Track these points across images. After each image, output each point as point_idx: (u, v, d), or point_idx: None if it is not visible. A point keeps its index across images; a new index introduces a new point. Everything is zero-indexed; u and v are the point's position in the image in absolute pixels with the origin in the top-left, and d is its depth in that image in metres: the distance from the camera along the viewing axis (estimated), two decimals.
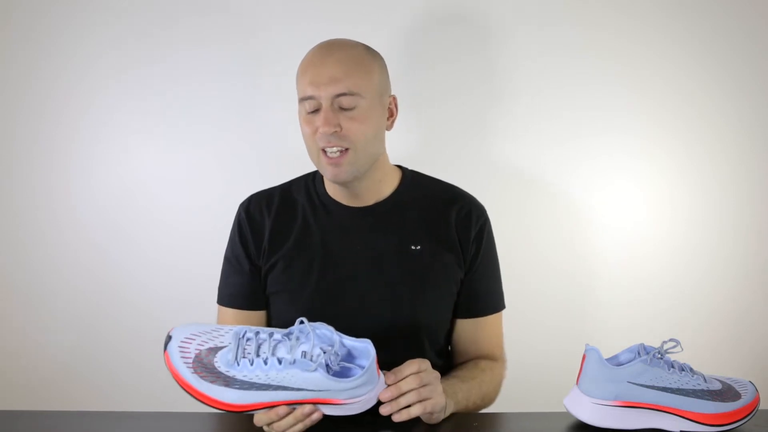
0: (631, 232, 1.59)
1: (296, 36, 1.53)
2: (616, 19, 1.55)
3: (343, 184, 1.15)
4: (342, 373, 0.91)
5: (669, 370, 0.96)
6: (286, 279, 1.17)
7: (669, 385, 0.95)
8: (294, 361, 0.88)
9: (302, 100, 1.12)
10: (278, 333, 0.92)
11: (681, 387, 0.96)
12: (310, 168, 1.24)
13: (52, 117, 1.59)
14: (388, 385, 0.96)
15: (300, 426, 0.91)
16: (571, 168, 1.58)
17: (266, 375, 0.88)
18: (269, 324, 1.21)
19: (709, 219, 1.58)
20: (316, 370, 0.88)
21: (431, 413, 0.99)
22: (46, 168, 1.60)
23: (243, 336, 0.91)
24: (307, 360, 0.88)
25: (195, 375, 0.88)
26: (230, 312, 1.20)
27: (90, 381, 1.62)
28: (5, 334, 1.62)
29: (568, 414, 0.98)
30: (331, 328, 0.92)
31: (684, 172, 1.58)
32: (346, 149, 1.10)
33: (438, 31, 1.55)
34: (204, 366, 0.89)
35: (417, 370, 0.98)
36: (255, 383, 0.88)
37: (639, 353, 0.96)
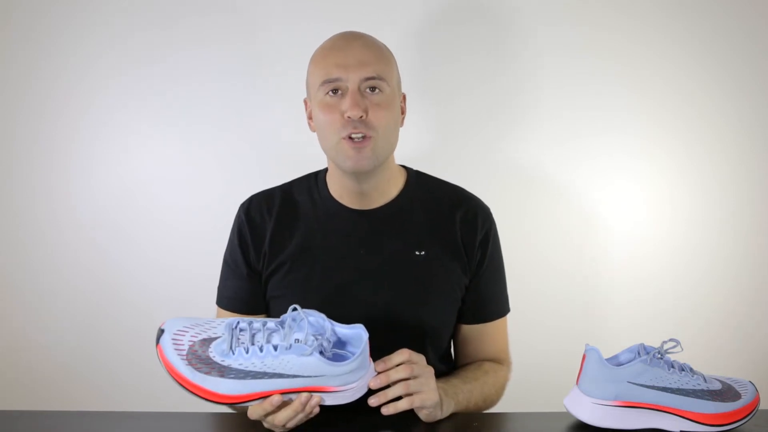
0: (631, 232, 1.59)
1: (296, 36, 1.53)
2: (616, 19, 1.55)
3: (361, 175, 1.11)
4: (334, 360, 0.91)
5: (669, 370, 0.96)
6: (287, 284, 1.15)
7: (669, 385, 0.95)
8: (290, 347, 0.88)
9: (325, 83, 1.08)
10: (271, 322, 0.92)
11: (681, 387, 0.96)
12: (310, 168, 1.24)
13: (52, 117, 1.59)
14: (378, 373, 0.95)
15: (301, 416, 0.90)
16: (571, 168, 1.58)
17: (262, 362, 0.88)
18: None
19: (709, 219, 1.58)
20: (311, 353, 0.88)
21: (421, 408, 0.98)
22: (46, 168, 1.60)
23: (236, 326, 0.91)
24: (303, 345, 0.88)
25: (189, 367, 0.88)
26: (229, 315, 1.19)
27: (90, 381, 1.62)
28: (5, 334, 1.62)
29: (568, 414, 0.98)
30: (323, 316, 0.92)
31: (684, 172, 1.58)
32: (369, 137, 1.07)
33: (437, 31, 1.55)
34: (198, 357, 0.88)
35: (408, 359, 0.97)
36: (251, 371, 0.88)
37: (639, 353, 0.96)
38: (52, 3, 1.56)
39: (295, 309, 0.91)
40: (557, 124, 1.57)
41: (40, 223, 1.60)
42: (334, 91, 1.08)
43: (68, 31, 1.57)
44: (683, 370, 0.98)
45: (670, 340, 0.97)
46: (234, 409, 1.11)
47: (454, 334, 1.22)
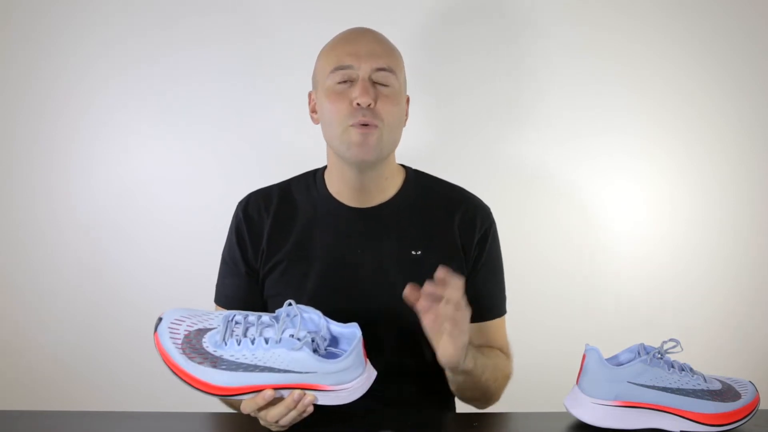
0: (631, 231, 1.59)
1: (296, 36, 1.53)
2: (616, 19, 1.55)
3: (364, 164, 1.11)
4: (328, 358, 0.91)
5: (669, 370, 0.96)
6: (285, 283, 1.15)
7: (669, 385, 0.95)
8: (280, 340, 0.88)
9: (336, 70, 1.09)
10: (266, 316, 0.92)
11: (681, 387, 0.96)
12: (310, 167, 1.24)
13: (52, 117, 1.59)
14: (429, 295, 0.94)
15: (294, 413, 0.89)
16: (572, 168, 1.58)
17: (253, 354, 0.88)
18: None
19: (709, 219, 1.58)
20: (301, 348, 0.88)
21: (450, 344, 0.95)
22: (46, 168, 1.60)
23: (232, 319, 0.91)
24: (294, 339, 0.88)
25: (183, 355, 0.88)
26: None
27: (90, 381, 1.62)
28: (5, 334, 1.62)
29: (568, 414, 0.98)
30: (319, 313, 0.92)
31: (684, 172, 1.58)
32: (376, 126, 1.07)
33: (438, 32, 1.55)
34: (192, 346, 0.89)
35: (458, 302, 0.94)
36: (242, 363, 0.88)
37: (639, 353, 0.96)
38: (52, 3, 1.56)
39: (290, 304, 0.91)
40: (558, 124, 1.57)
41: (40, 223, 1.60)
42: (345, 80, 1.09)
43: (68, 31, 1.57)
44: (683, 370, 0.98)
45: (670, 340, 0.97)
46: (232, 408, 1.11)
47: None
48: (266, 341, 0.88)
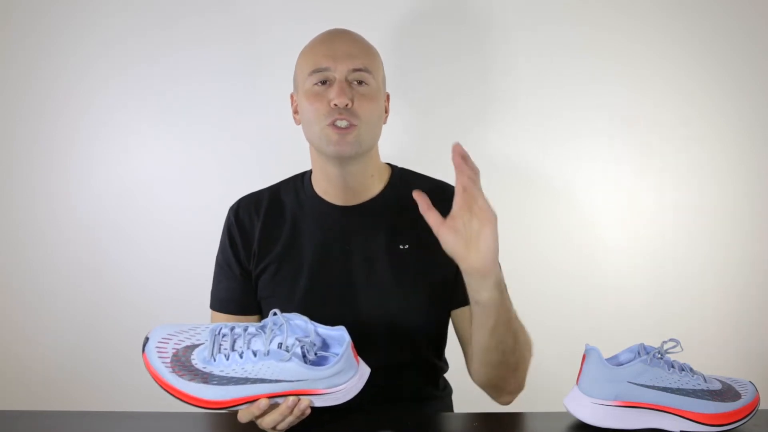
0: (630, 231, 1.59)
1: (296, 36, 1.52)
2: (616, 19, 1.55)
3: (344, 161, 1.12)
4: (319, 363, 0.91)
5: (669, 370, 0.96)
6: (277, 283, 1.17)
7: (669, 385, 0.95)
8: (268, 353, 0.88)
9: (313, 72, 1.12)
10: (253, 327, 0.92)
11: (681, 387, 0.96)
12: (310, 167, 1.24)
13: (52, 117, 1.59)
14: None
15: (291, 418, 0.90)
16: (571, 168, 1.58)
17: (242, 368, 0.88)
18: None
19: (709, 219, 1.58)
20: (290, 359, 0.88)
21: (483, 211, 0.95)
22: (46, 168, 1.60)
23: (219, 332, 0.91)
24: (282, 350, 0.88)
25: (174, 374, 0.89)
26: (223, 317, 1.19)
27: (90, 381, 1.62)
28: (5, 334, 1.62)
29: (568, 414, 0.98)
30: (306, 318, 0.92)
31: (684, 171, 1.58)
32: (354, 125, 1.09)
33: (438, 31, 1.55)
34: (182, 364, 0.89)
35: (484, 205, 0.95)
36: (233, 378, 0.88)
37: (639, 353, 0.96)
38: (52, 3, 1.56)
39: (275, 314, 0.91)
40: (558, 124, 1.57)
41: (40, 223, 1.60)
42: (323, 82, 1.11)
43: (68, 31, 1.57)
44: (683, 370, 0.98)
45: (670, 340, 0.97)
46: (229, 410, 1.11)
47: (459, 324, 1.21)
48: (254, 354, 0.88)
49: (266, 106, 1.56)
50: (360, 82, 1.12)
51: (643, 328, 1.54)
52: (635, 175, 1.58)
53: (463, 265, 0.97)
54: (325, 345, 0.94)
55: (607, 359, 0.97)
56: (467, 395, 1.22)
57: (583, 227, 1.59)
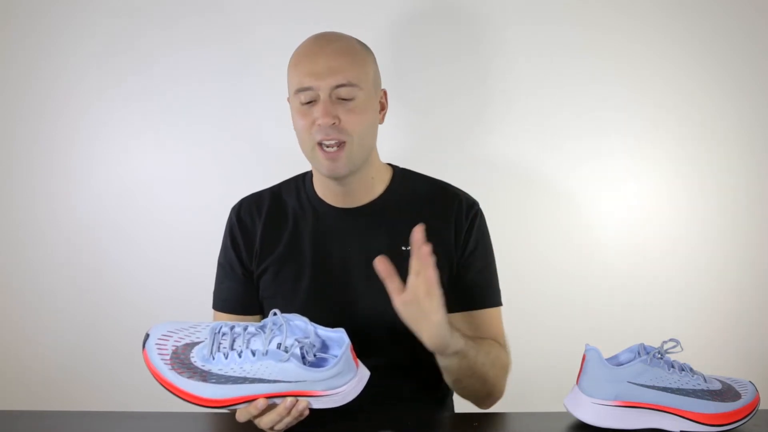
0: (630, 231, 1.59)
1: (296, 36, 1.52)
2: (616, 19, 1.55)
3: (339, 179, 1.13)
4: (318, 364, 0.91)
5: (669, 370, 0.96)
6: (278, 284, 1.17)
7: (669, 385, 0.95)
8: (267, 353, 0.88)
9: (298, 91, 1.10)
10: (252, 326, 0.92)
11: (681, 387, 0.96)
12: (310, 168, 1.24)
13: (52, 117, 1.59)
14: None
15: (289, 419, 0.90)
16: (571, 168, 1.58)
17: (241, 368, 0.88)
18: None
19: (709, 219, 1.58)
20: (288, 360, 0.88)
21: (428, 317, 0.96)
22: (46, 168, 1.60)
23: (219, 331, 0.91)
24: (281, 351, 0.88)
25: (173, 371, 0.89)
26: (225, 317, 1.19)
27: (90, 381, 1.62)
28: (5, 334, 1.62)
29: (568, 414, 0.98)
30: (305, 319, 0.92)
31: (684, 172, 1.58)
32: (343, 142, 1.09)
33: (437, 30, 1.55)
34: (181, 362, 0.89)
35: (429, 289, 0.95)
36: (231, 377, 0.88)
37: (639, 353, 0.96)
38: (52, 3, 1.56)
39: (275, 314, 0.91)
40: (558, 124, 1.56)
41: (40, 223, 1.60)
42: (307, 98, 1.10)
43: (68, 31, 1.57)
44: (683, 370, 0.98)
45: (670, 340, 0.97)
46: (229, 409, 1.11)
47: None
48: (253, 353, 0.88)
49: (266, 106, 1.56)
50: (346, 98, 1.09)
51: (643, 328, 1.54)
52: (635, 175, 1.58)
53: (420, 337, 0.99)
54: (324, 347, 0.94)
55: (607, 359, 0.97)
56: None
57: (583, 227, 1.59)
